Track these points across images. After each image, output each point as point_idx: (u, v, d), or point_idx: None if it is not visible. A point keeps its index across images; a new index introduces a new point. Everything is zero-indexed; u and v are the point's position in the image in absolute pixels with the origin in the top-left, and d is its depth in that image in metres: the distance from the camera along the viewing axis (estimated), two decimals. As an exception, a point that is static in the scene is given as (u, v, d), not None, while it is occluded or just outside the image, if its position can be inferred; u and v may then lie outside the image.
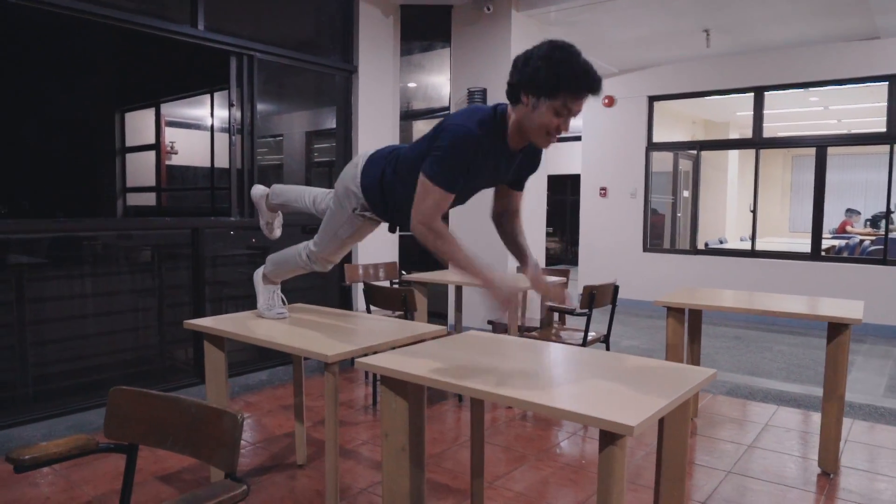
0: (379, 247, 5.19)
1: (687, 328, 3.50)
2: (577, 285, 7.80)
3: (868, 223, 10.71)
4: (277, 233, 2.80)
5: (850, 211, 10.64)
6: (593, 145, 8.29)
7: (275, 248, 2.75)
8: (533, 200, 5.66)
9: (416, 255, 5.43)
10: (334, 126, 5.37)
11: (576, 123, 9.51)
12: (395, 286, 4.45)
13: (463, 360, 1.89)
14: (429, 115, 6.01)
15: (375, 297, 3.63)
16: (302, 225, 4.70)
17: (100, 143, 6.40)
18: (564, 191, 12.80)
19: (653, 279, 7.68)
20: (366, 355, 2.04)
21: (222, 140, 5.56)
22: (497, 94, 5.45)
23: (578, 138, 8.62)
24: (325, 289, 5.10)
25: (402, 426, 1.85)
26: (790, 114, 9.34)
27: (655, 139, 7.90)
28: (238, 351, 4.34)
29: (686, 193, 8.52)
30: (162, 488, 2.79)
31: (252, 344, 2.36)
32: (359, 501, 2.68)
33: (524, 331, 4.08)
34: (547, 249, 8.24)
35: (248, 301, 3.33)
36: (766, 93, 7.11)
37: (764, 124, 7.23)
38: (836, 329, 2.85)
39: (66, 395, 3.59)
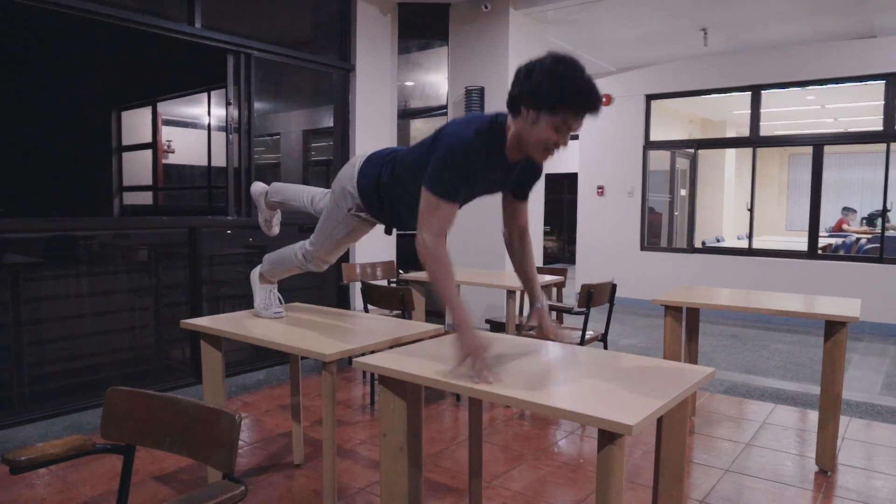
0: (376, 246, 5.18)
1: (684, 327, 3.50)
2: (574, 284, 7.81)
3: (864, 221, 10.73)
4: (276, 230, 2.80)
5: (846, 209, 10.66)
6: (591, 144, 8.29)
7: (272, 248, 2.74)
8: (530, 199, 5.65)
9: (413, 254, 5.43)
10: (332, 125, 5.36)
11: (573, 122, 9.52)
12: (393, 285, 4.44)
13: (461, 360, 1.88)
14: (426, 113, 6.01)
15: (373, 296, 3.62)
16: (299, 224, 4.69)
17: (96, 142, 6.38)
18: (562, 189, 12.81)
19: (650, 278, 7.69)
20: (363, 355, 2.03)
21: (219, 139, 5.55)
22: (495, 93, 5.45)
23: (576, 137, 8.61)
24: (322, 288, 5.09)
25: (401, 426, 1.84)
26: (787, 112, 9.36)
27: (653, 138, 7.90)
28: (235, 350, 4.33)
29: (683, 192, 8.54)
30: (159, 489, 2.78)
31: (249, 343, 2.35)
32: (357, 501, 2.68)
33: (522, 330, 4.08)
34: (544, 248, 8.23)
35: (245, 300, 3.32)
36: (763, 91, 7.12)
37: (761, 123, 7.24)
38: (833, 327, 2.85)
39: (62, 396, 3.58)
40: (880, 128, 6.54)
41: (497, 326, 4.16)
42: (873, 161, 8.92)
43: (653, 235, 8.31)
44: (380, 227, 2.36)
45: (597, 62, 7.57)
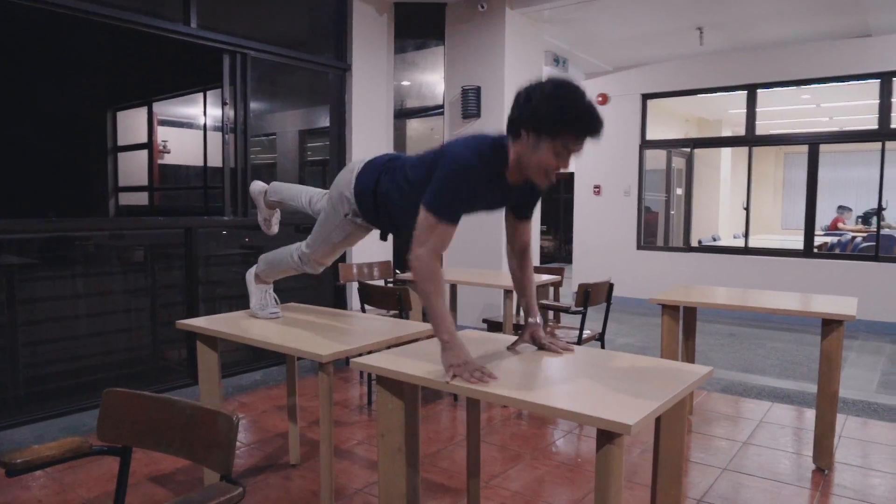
0: (373, 246, 5.17)
1: (682, 326, 3.50)
2: (571, 283, 7.81)
3: (859, 220, 10.76)
4: (275, 229, 2.80)
5: (841, 208, 10.68)
6: (587, 143, 8.28)
7: (268, 248, 2.74)
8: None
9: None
10: (328, 124, 5.35)
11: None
12: (390, 285, 4.44)
13: (459, 360, 1.87)
14: (423, 113, 6.00)
15: (370, 296, 3.62)
16: (296, 224, 4.69)
17: (92, 142, 6.36)
18: (558, 189, 12.82)
19: (647, 277, 7.70)
20: (360, 355, 2.03)
21: (215, 139, 5.53)
22: (491, 92, 5.45)
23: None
24: (319, 288, 5.09)
25: (399, 426, 1.84)
26: (782, 111, 9.38)
27: (649, 137, 7.91)
28: (231, 351, 4.32)
29: (679, 191, 8.55)
30: (155, 490, 2.77)
31: (245, 344, 2.35)
32: (354, 502, 2.67)
33: (519, 329, 4.07)
34: (541, 248, 8.24)
35: (241, 301, 3.31)
36: (758, 90, 7.13)
37: (757, 122, 7.26)
38: (830, 326, 2.86)
39: (58, 397, 3.57)
40: (875, 126, 6.56)
41: (494, 326, 4.16)
42: (868, 160, 8.94)
43: (649, 234, 8.32)
44: (376, 232, 2.36)
45: (593, 61, 7.58)
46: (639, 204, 7.91)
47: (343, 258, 5.04)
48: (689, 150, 7.92)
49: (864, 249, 7.43)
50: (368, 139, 5.34)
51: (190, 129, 6.90)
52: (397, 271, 4.64)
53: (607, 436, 1.38)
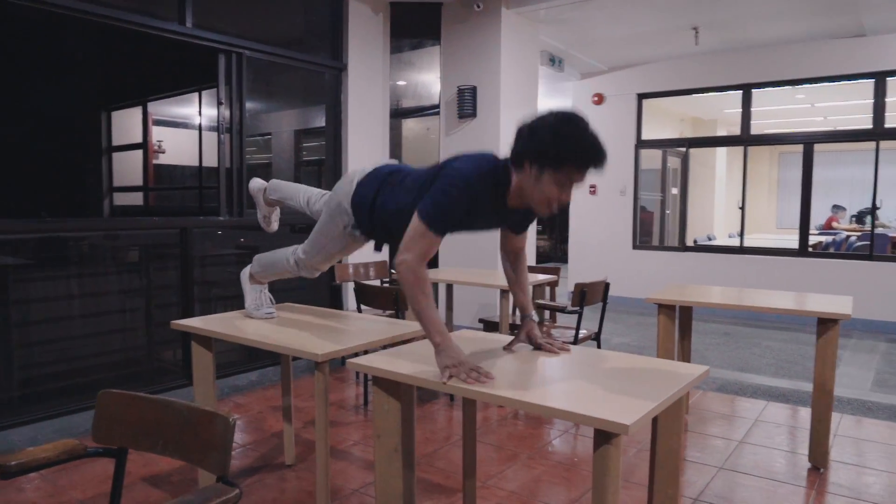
0: (369, 246, 5.16)
1: (678, 325, 3.51)
2: (567, 283, 7.81)
3: (853, 219, 10.80)
4: (275, 226, 2.80)
5: (835, 207, 10.73)
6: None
7: (263, 248, 2.73)
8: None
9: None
10: (324, 124, 5.34)
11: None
12: (386, 285, 4.43)
13: (455, 360, 1.87)
14: (419, 113, 6.00)
15: (366, 296, 3.61)
16: (291, 224, 4.67)
17: (86, 143, 6.33)
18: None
19: (642, 276, 7.71)
20: (357, 355, 2.03)
21: (210, 139, 5.52)
22: (487, 92, 5.44)
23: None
24: (314, 288, 5.07)
25: (395, 427, 1.84)
26: (777, 111, 9.41)
27: (644, 136, 7.92)
28: (227, 352, 4.31)
29: (675, 190, 8.56)
30: (150, 491, 2.76)
31: (241, 344, 2.34)
32: (350, 502, 2.67)
33: (515, 329, 4.07)
34: (537, 248, 8.23)
35: (237, 301, 3.30)
36: (753, 90, 7.15)
37: (752, 121, 7.27)
38: (825, 325, 2.87)
39: (52, 398, 3.55)
40: (869, 126, 6.58)
41: (490, 326, 4.16)
42: (862, 159, 8.97)
43: (645, 234, 8.33)
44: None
45: (589, 61, 7.58)
46: (634, 203, 7.93)
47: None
48: (684, 149, 7.94)
49: (858, 248, 7.46)
50: (364, 139, 5.33)
51: (185, 129, 6.89)
52: (393, 271, 4.63)
53: (604, 436, 1.38)
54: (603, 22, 6.08)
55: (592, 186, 8.20)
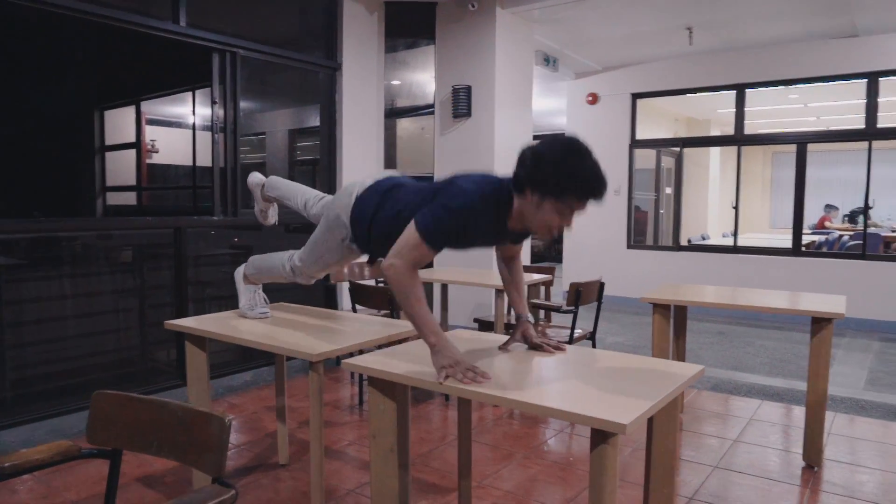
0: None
1: (672, 324, 3.51)
2: (562, 283, 7.82)
3: (846, 219, 10.86)
4: (272, 221, 2.79)
5: (828, 207, 10.78)
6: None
7: (258, 248, 2.72)
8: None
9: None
10: (318, 124, 5.33)
11: (559, 121, 9.54)
12: (381, 285, 4.43)
13: (451, 360, 1.87)
14: (413, 112, 5.99)
15: (361, 296, 3.61)
16: (286, 224, 4.66)
17: (79, 142, 6.30)
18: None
19: (636, 276, 7.72)
20: (351, 354, 2.02)
21: (204, 138, 5.49)
22: (481, 91, 5.44)
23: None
24: (309, 288, 5.04)
25: (391, 427, 1.83)
26: (770, 111, 9.44)
27: (638, 136, 7.94)
28: (221, 352, 4.30)
29: (669, 190, 8.58)
30: (144, 492, 2.75)
31: (235, 344, 2.33)
32: (346, 502, 2.66)
33: (510, 328, 4.07)
34: (532, 247, 8.25)
35: (231, 301, 3.29)
36: (747, 90, 7.18)
37: (745, 121, 7.30)
38: (819, 324, 2.88)
39: (45, 399, 3.53)
40: (862, 126, 6.62)
41: (485, 326, 4.16)
42: (855, 159, 9.02)
43: (639, 233, 8.35)
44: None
45: (583, 61, 7.59)
46: (629, 203, 7.94)
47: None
48: (678, 149, 7.96)
49: (850, 248, 7.50)
50: (359, 138, 5.32)
51: (179, 128, 6.85)
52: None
53: (602, 435, 1.38)
54: (597, 22, 6.09)
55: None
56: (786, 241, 7.27)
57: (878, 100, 6.49)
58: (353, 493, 2.74)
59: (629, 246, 7.97)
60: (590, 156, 1.69)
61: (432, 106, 5.76)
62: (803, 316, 2.96)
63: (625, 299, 7.51)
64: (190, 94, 6.36)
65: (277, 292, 3.21)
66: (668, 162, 8.55)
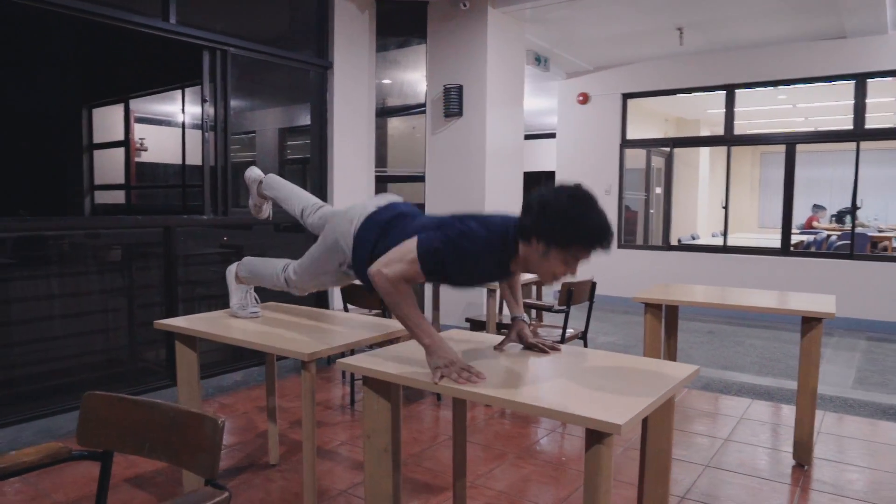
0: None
1: (664, 324, 3.52)
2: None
3: (833, 219, 10.94)
4: (265, 215, 2.77)
5: (816, 207, 10.86)
6: (568, 142, 8.33)
7: (249, 248, 2.70)
8: (509, 197, 5.67)
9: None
10: (309, 123, 5.30)
11: (550, 121, 9.55)
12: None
13: (445, 360, 1.86)
14: (405, 111, 5.98)
15: (352, 295, 3.59)
16: (276, 223, 4.63)
17: (66, 140, 6.23)
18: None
19: (627, 275, 7.75)
20: (343, 354, 2.01)
21: (194, 136, 5.45)
22: (473, 91, 5.44)
23: (553, 135, 8.66)
24: (300, 287, 5.03)
25: (385, 427, 1.82)
26: (759, 111, 9.50)
27: (629, 136, 7.97)
28: (211, 351, 4.27)
29: (658, 190, 8.62)
30: (135, 493, 2.72)
31: (226, 344, 2.31)
32: (338, 503, 2.65)
33: (502, 328, 4.07)
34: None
35: (221, 301, 3.26)
36: (736, 90, 7.22)
37: (734, 122, 7.34)
38: (809, 323, 2.90)
39: (32, 400, 3.49)
40: (850, 127, 6.67)
41: (477, 325, 4.15)
42: (843, 159, 9.10)
43: (629, 233, 8.38)
44: None
45: (574, 61, 7.61)
46: (619, 203, 7.97)
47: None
48: (668, 149, 7.99)
49: (838, 248, 7.56)
50: (350, 137, 5.31)
51: (168, 126, 6.80)
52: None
53: (596, 435, 1.38)
54: (588, 22, 6.10)
55: (578, 186, 8.21)
56: (774, 240, 7.31)
57: (866, 101, 6.55)
58: (344, 493, 2.73)
59: (619, 246, 7.99)
60: (595, 205, 1.68)
61: (424, 105, 5.75)
62: (793, 315, 2.97)
63: (615, 298, 7.53)
64: (179, 92, 6.31)
65: (268, 292, 3.19)
66: (658, 162, 8.59)
